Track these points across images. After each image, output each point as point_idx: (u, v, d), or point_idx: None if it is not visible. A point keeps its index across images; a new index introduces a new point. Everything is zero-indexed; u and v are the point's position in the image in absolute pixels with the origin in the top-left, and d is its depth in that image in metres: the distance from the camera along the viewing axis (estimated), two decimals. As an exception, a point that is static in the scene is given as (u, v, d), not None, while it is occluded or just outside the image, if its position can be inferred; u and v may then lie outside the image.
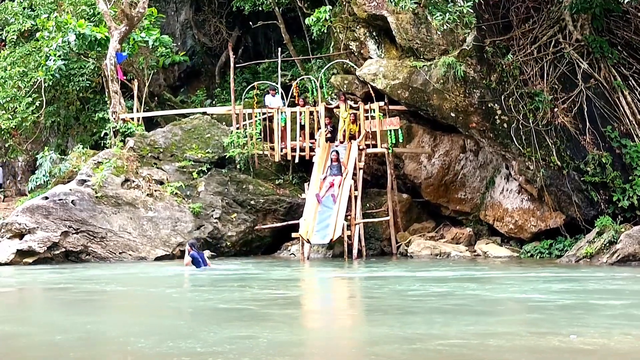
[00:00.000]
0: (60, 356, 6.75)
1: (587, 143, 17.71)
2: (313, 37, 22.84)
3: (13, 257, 17.71)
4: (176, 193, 19.87)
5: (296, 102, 21.70)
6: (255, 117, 21.28)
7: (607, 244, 15.82)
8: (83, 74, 24.13)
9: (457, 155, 20.34)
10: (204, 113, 22.77)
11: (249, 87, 22.87)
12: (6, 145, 26.50)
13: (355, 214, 18.88)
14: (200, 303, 10.68)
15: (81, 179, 19.52)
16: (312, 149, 20.80)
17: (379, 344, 7.07)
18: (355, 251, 18.48)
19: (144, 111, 23.29)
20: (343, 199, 18.68)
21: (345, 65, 21.11)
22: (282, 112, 21.15)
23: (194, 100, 27.07)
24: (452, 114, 18.21)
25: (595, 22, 18.19)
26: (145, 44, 23.94)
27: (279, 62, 22.53)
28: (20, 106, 24.20)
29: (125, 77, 23.06)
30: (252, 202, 20.35)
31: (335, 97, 21.38)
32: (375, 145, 20.13)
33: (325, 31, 21.59)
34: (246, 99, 22.75)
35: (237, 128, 21.15)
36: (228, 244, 20.00)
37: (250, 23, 25.91)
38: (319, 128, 20.81)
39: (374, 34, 20.50)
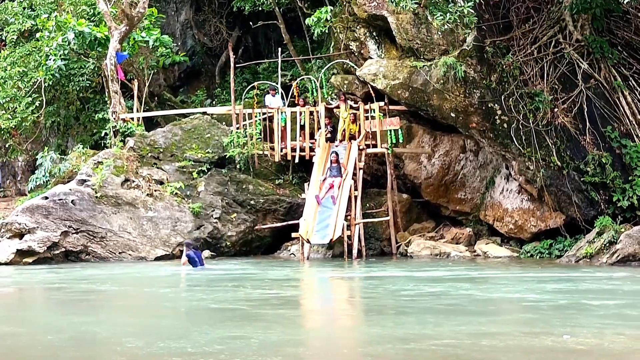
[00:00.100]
0: (50, 356, 6.74)
1: (587, 143, 17.71)
2: (313, 37, 22.84)
3: (13, 257, 17.70)
4: (176, 193, 19.87)
5: (296, 102, 21.70)
6: (255, 117, 21.28)
7: (607, 244, 15.83)
8: (83, 74, 24.12)
9: (457, 155, 20.34)
10: (204, 113, 22.76)
11: (249, 87, 22.87)
12: (6, 145, 26.51)
13: (355, 214, 18.88)
14: (193, 303, 10.68)
15: (81, 179, 19.52)
16: (312, 149, 20.80)
17: (372, 344, 7.08)
18: (355, 251, 18.48)
19: (144, 111, 23.29)
20: (343, 199, 18.68)
21: (345, 66, 21.11)
22: (282, 112, 21.15)
23: (194, 100, 27.07)
24: (452, 114, 18.21)
25: (596, 22, 18.19)
26: (146, 44, 23.94)
27: (279, 62, 22.53)
28: (20, 106, 24.21)
29: (125, 77, 23.06)
30: (252, 202, 20.35)
31: (335, 97, 21.38)
32: (375, 145, 20.12)
33: (326, 31, 21.59)
34: (246, 99, 22.74)
35: (237, 128, 21.14)
36: (228, 244, 20.00)
37: (251, 23, 25.91)
38: (319, 128, 20.81)
39: (374, 34, 20.50)
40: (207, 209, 19.91)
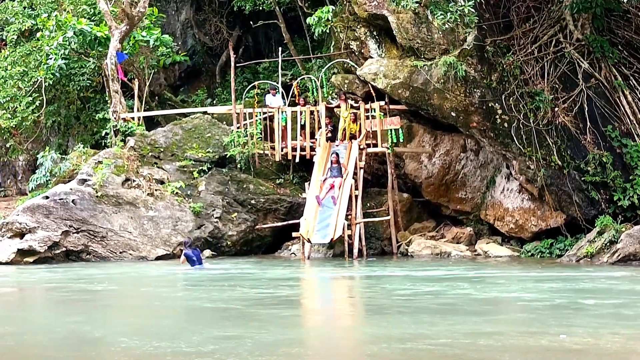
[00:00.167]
0: (42, 356, 6.74)
1: (588, 142, 17.71)
2: (314, 37, 22.84)
3: (14, 256, 17.71)
4: (177, 192, 19.87)
5: (297, 101, 21.69)
6: (256, 116, 21.28)
7: (608, 244, 15.84)
8: (84, 74, 24.13)
9: (458, 154, 20.35)
10: (205, 112, 22.76)
11: (250, 86, 22.87)
12: (7, 145, 26.52)
13: (355, 214, 18.88)
14: (189, 302, 10.68)
15: (82, 179, 19.53)
16: (312, 149, 20.80)
17: (368, 343, 7.08)
18: (355, 251, 18.48)
19: (144, 110, 23.29)
20: (343, 199, 18.68)
21: (345, 65, 21.11)
22: (282, 112, 21.15)
23: (195, 100, 27.08)
24: (453, 114, 18.21)
25: (596, 21, 18.19)
26: (146, 44, 23.94)
27: (280, 61, 22.52)
28: (20, 105, 24.21)
29: (125, 77, 23.06)
30: (253, 202, 20.35)
31: (335, 96, 21.38)
32: (375, 145, 20.12)
33: (327, 31, 21.58)
34: (247, 99, 22.74)
35: (238, 127, 21.14)
36: (229, 243, 20.00)
37: (251, 22, 25.90)
38: (319, 127, 20.81)
39: (375, 33, 20.49)
40: (207, 208, 19.91)
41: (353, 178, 19.16)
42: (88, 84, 24.24)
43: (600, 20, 18.21)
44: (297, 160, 21.08)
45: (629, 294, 10.85)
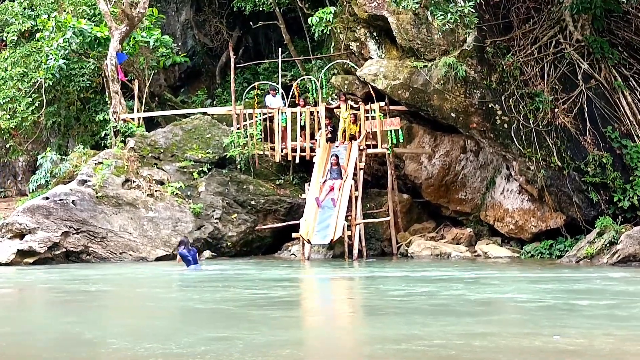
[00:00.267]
0: (32, 357, 6.72)
1: (588, 143, 17.71)
2: (314, 38, 22.85)
3: (14, 257, 17.72)
4: (177, 193, 19.87)
5: (297, 102, 21.70)
6: (256, 117, 21.29)
7: (608, 245, 15.84)
8: (84, 74, 24.13)
9: (458, 155, 20.35)
10: (205, 113, 22.77)
11: (250, 87, 22.87)
12: (7, 146, 26.51)
13: (355, 215, 18.88)
14: (182, 303, 10.67)
15: (82, 179, 19.53)
16: (312, 150, 20.80)
17: (361, 344, 7.08)
18: (355, 251, 18.48)
19: (144, 111, 23.29)
20: (343, 200, 18.68)
21: (345, 66, 21.11)
22: (282, 113, 21.16)
23: (195, 101, 27.08)
24: (453, 115, 18.21)
25: (596, 22, 18.19)
26: (146, 44, 23.95)
27: (280, 62, 22.54)
28: (20, 106, 24.21)
29: (125, 78, 23.06)
30: (253, 203, 20.35)
31: (335, 97, 21.38)
32: (375, 146, 20.13)
33: (327, 32, 21.59)
34: (247, 99, 22.75)
35: (238, 128, 21.15)
36: (228, 244, 20.00)
37: (251, 23, 25.91)
38: (319, 128, 20.82)
39: (375, 34, 20.50)
40: (207, 209, 19.91)
41: (353, 179, 19.16)
42: (88, 85, 24.24)
43: (600, 21, 18.21)
44: (297, 161, 21.09)
45: (624, 295, 10.83)
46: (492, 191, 19.77)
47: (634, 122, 17.87)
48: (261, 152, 20.92)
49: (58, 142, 26.03)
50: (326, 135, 20.50)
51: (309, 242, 18.34)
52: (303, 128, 21.03)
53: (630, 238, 15.37)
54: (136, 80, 23.58)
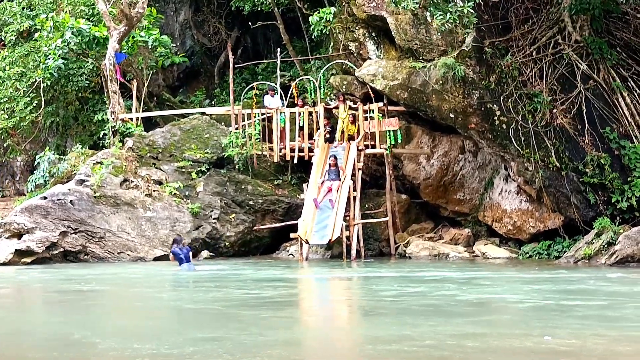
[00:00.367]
0: (19, 357, 6.68)
1: (586, 144, 17.72)
2: (312, 38, 22.84)
3: (11, 257, 17.69)
4: (175, 193, 19.86)
5: (295, 102, 21.70)
6: (254, 117, 21.28)
7: (606, 245, 15.84)
8: (82, 74, 24.11)
9: (456, 156, 20.35)
10: (203, 113, 22.76)
11: (248, 87, 22.87)
12: (5, 145, 26.49)
13: (354, 215, 18.87)
14: (172, 303, 10.64)
15: (80, 179, 19.51)
16: (311, 150, 20.80)
17: (352, 345, 7.06)
18: (353, 252, 18.46)
19: (142, 111, 23.28)
20: (342, 200, 18.68)
21: (344, 66, 21.11)
22: (281, 113, 21.15)
23: (193, 101, 27.07)
24: (451, 115, 18.21)
25: (595, 23, 18.20)
26: (145, 44, 23.93)
27: (278, 62, 22.53)
28: (18, 106, 24.19)
29: (124, 77, 23.05)
30: (251, 203, 20.34)
31: (334, 97, 21.38)
32: (374, 146, 20.13)
33: (325, 32, 21.59)
34: (245, 100, 22.74)
35: (236, 128, 21.13)
36: (227, 244, 19.99)
37: (250, 23, 25.89)
38: (317, 128, 20.81)
39: (373, 34, 20.50)
40: (205, 209, 19.90)
41: (351, 179, 19.15)
42: (86, 85, 24.23)
43: (599, 22, 18.21)
44: (295, 161, 21.08)
45: (616, 296, 10.82)
46: (490, 192, 19.77)
47: (633, 123, 17.87)
48: (259, 153, 20.91)
49: (56, 142, 26.01)
50: (325, 135, 20.49)
51: (307, 242, 18.33)
52: (301, 128, 21.02)
53: (628, 239, 15.38)
54: (135, 80, 23.58)
